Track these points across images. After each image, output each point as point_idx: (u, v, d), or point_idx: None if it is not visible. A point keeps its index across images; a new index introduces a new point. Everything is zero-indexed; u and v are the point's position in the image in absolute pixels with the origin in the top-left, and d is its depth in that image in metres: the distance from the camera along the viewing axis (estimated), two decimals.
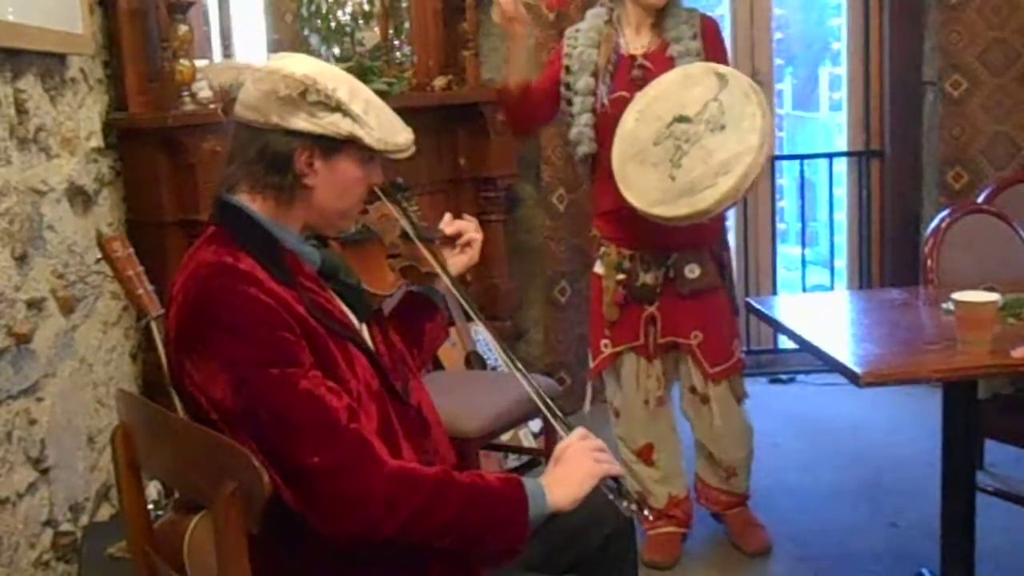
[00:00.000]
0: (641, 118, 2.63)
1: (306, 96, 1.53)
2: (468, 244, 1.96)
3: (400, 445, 1.61)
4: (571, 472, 1.58)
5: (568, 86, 2.83)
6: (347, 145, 1.57)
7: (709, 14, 2.90)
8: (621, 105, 2.70)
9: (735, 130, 2.48)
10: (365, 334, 1.70)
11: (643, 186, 2.57)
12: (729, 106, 2.51)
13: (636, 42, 2.81)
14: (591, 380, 3.01)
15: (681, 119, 2.55)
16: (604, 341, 2.89)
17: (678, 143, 2.54)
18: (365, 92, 1.61)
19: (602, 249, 2.89)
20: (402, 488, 1.47)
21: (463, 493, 1.50)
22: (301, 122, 1.55)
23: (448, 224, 1.93)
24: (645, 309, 2.84)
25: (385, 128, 1.59)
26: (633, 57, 2.78)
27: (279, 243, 1.59)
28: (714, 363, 2.85)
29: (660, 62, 2.74)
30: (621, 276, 2.82)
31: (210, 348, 1.48)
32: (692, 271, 2.78)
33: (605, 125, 2.73)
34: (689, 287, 2.79)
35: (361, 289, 1.71)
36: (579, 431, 1.64)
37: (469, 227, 1.96)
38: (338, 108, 1.55)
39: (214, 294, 1.49)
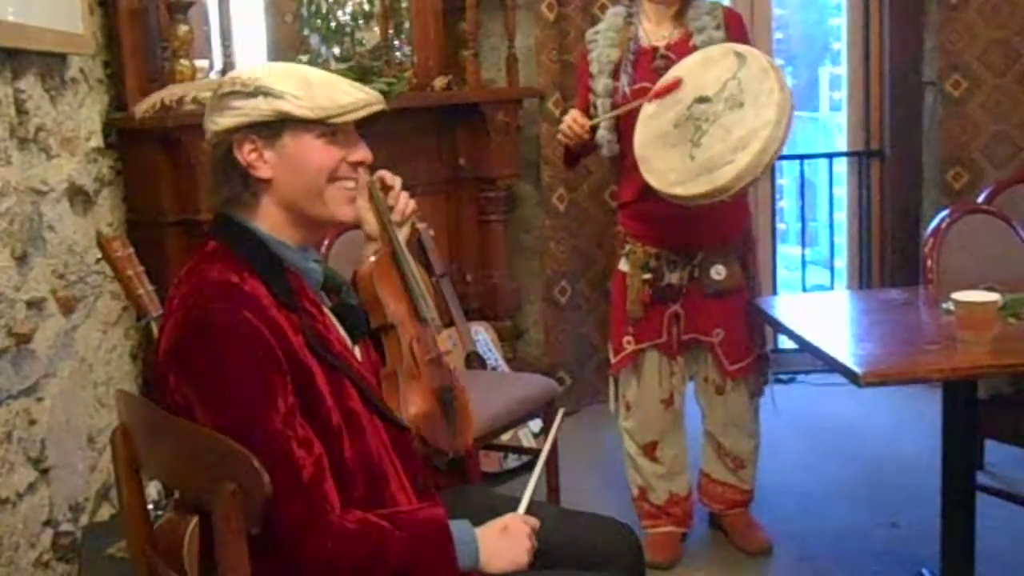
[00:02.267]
0: (662, 102, 2.61)
1: (220, 92, 1.54)
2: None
3: (387, 474, 1.61)
4: (511, 549, 1.61)
5: (593, 91, 2.84)
6: (285, 125, 1.53)
7: (733, 8, 2.89)
8: (643, 96, 2.68)
9: (753, 106, 2.45)
10: (357, 353, 1.70)
11: (662, 167, 2.55)
12: (747, 84, 2.48)
13: (657, 34, 2.80)
14: (612, 376, 3.00)
15: (701, 100, 2.53)
16: (627, 338, 2.89)
17: (698, 123, 2.51)
18: (307, 72, 1.58)
19: (627, 247, 2.88)
20: (343, 552, 1.47)
21: (401, 546, 1.51)
22: (228, 119, 1.54)
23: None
24: (669, 307, 2.85)
25: (321, 96, 1.54)
26: (655, 49, 2.78)
27: (281, 262, 1.58)
28: (734, 361, 2.86)
29: (683, 53, 2.71)
30: (647, 276, 2.82)
31: (198, 373, 1.47)
32: (718, 272, 2.79)
33: (627, 117, 2.71)
34: (714, 287, 2.80)
35: (359, 309, 1.72)
36: (525, 516, 1.67)
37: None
38: (257, 92, 1.52)
39: (215, 318, 1.47)
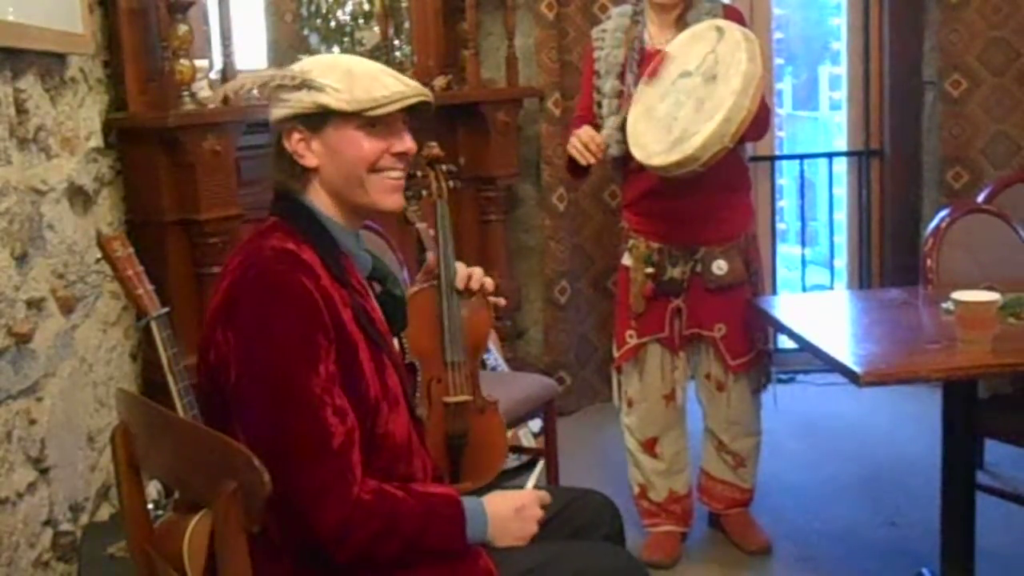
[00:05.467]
0: (654, 80, 2.66)
1: (271, 85, 1.62)
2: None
3: (412, 454, 1.68)
4: (520, 530, 1.67)
5: (599, 90, 2.85)
6: (329, 117, 1.60)
7: (733, 4, 2.89)
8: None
9: (724, 77, 2.49)
10: (396, 346, 1.76)
11: (646, 141, 2.59)
12: (722, 56, 2.52)
13: (661, 38, 2.81)
14: (615, 370, 3.01)
15: (683, 74, 2.58)
16: (629, 332, 2.90)
17: (678, 96, 2.56)
18: (353, 65, 1.65)
19: (631, 241, 2.90)
20: (358, 522, 1.52)
21: (414, 516, 1.56)
22: (279, 110, 1.63)
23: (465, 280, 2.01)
24: (671, 301, 2.86)
25: (360, 88, 1.60)
26: (659, 52, 2.78)
27: (337, 244, 1.65)
28: (736, 356, 2.87)
29: None
30: (650, 270, 2.84)
31: (247, 328, 1.52)
32: (720, 268, 2.80)
33: None
34: (716, 283, 2.81)
35: (404, 302, 1.79)
36: (533, 493, 1.73)
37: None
38: (302, 85, 1.60)
39: (271, 278, 1.54)
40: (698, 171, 2.50)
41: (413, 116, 1.68)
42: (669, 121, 2.55)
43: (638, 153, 2.60)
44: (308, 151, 1.63)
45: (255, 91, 1.65)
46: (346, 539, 1.51)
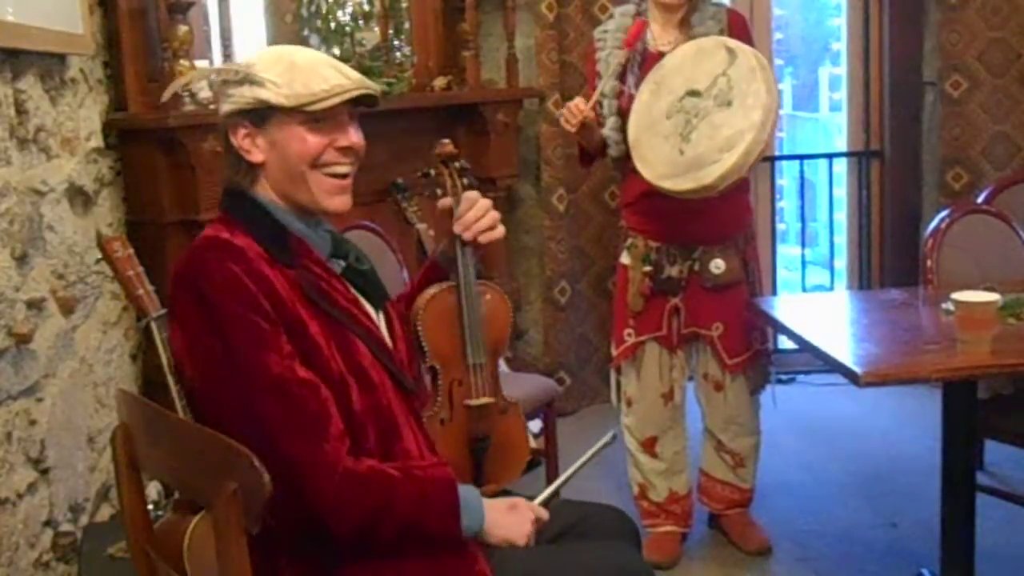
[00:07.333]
0: (656, 91, 2.65)
1: (219, 79, 1.61)
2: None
3: (400, 430, 1.63)
4: (513, 525, 1.64)
5: (600, 91, 2.85)
6: (271, 112, 1.58)
7: (736, 9, 2.90)
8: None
9: (740, 106, 2.49)
10: (381, 322, 1.72)
11: (653, 159, 2.59)
12: (736, 82, 2.52)
13: (663, 39, 2.81)
14: (613, 369, 3.01)
15: (692, 93, 2.57)
16: (628, 331, 2.91)
17: (688, 117, 2.56)
18: (296, 57, 1.61)
19: (629, 240, 2.91)
20: (351, 496, 1.50)
21: (410, 497, 1.54)
22: (225, 105, 1.61)
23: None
24: (669, 300, 2.87)
25: (300, 82, 1.57)
26: (661, 53, 2.78)
27: (285, 228, 1.62)
28: (733, 355, 2.88)
29: None
30: (648, 268, 2.84)
31: (189, 317, 1.53)
32: (718, 267, 2.81)
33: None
34: (713, 282, 2.82)
35: (375, 276, 1.74)
36: (534, 505, 1.71)
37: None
38: (244, 80, 1.58)
39: (200, 266, 1.53)
40: (712, 196, 2.52)
41: (367, 109, 1.64)
42: (678, 141, 2.54)
43: (645, 171, 2.60)
44: (254, 147, 1.60)
45: (204, 84, 1.65)
46: (342, 510, 1.49)
